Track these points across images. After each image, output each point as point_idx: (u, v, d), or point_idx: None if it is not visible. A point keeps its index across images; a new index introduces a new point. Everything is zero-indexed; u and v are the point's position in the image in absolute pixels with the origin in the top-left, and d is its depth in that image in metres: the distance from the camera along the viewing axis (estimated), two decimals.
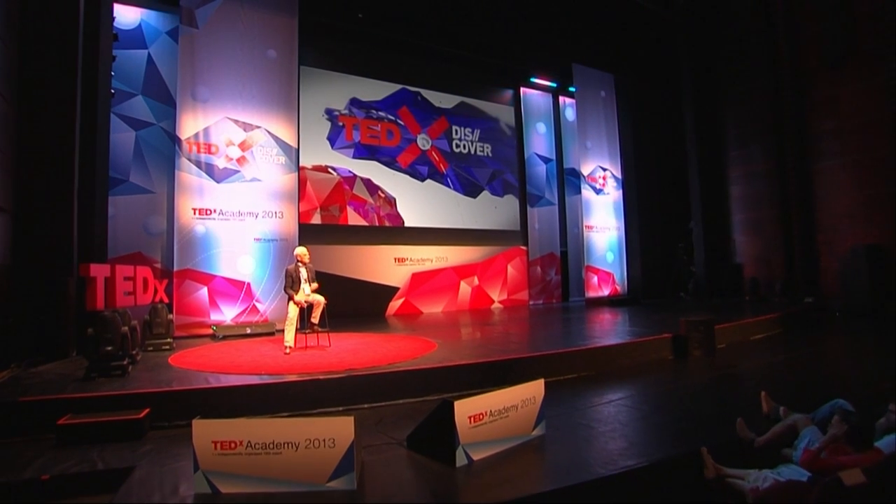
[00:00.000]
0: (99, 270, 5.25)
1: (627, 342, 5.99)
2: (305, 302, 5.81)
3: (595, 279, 12.28)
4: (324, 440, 2.73)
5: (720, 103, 12.58)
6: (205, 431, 2.72)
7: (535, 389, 3.55)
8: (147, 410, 3.67)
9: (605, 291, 12.40)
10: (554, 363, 5.19)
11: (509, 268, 12.01)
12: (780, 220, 11.34)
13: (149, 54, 8.12)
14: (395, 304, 10.50)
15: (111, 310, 4.82)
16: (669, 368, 5.69)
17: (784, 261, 11.24)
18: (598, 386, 4.89)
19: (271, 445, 2.71)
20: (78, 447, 3.34)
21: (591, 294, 12.14)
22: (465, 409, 3.09)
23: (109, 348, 4.37)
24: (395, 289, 10.53)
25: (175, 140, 7.73)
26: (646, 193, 13.25)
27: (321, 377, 4.27)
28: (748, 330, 7.39)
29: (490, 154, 12.13)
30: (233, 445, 2.71)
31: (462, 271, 11.36)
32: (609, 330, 7.36)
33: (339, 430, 2.75)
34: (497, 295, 11.79)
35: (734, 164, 12.34)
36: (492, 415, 3.23)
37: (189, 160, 7.68)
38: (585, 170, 12.40)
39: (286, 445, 2.72)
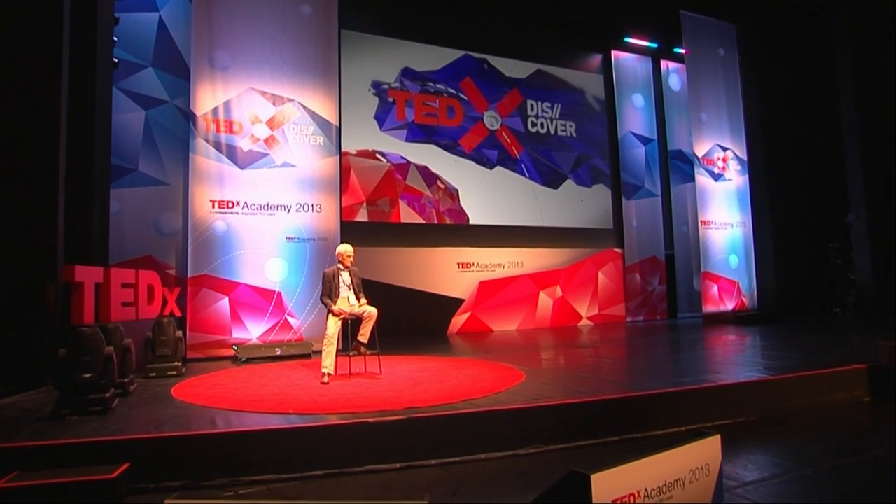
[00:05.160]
0: (87, 274, 4.77)
1: (797, 375, 5.00)
2: (350, 314, 5.38)
3: (714, 289, 11.42)
4: None
5: (893, 56, 11.15)
6: None
7: (707, 452, 2.68)
8: (125, 466, 3.04)
9: (729, 305, 11.54)
10: (695, 403, 4.41)
11: (600, 275, 11.55)
12: None
13: (160, 18, 7.94)
14: (458, 320, 10.21)
15: (95, 325, 4.28)
16: (871, 416, 4.69)
17: None
18: (770, 440, 4.00)
19: None
20: None
21: (709, 308, 11.30)
22: (607, 484, 2.25)
23: (87, 375, 3.80)
24: (459, 301, 10.24)
25: (190, 117, 7.49)
26: (781, 179, 12.31)
27: (371, 419, 3.68)
28: None
29: (574, 134, 11.72)
30: None
31: (541, 280, 10.93)
32: (749, 357, 6.45)
33: None
34: (585, 310, 11.36)
35: None
36: (647, 495, 2.37)
37: (206, 141, 7.45)
38: (700, 150, 11.64)
39: None
